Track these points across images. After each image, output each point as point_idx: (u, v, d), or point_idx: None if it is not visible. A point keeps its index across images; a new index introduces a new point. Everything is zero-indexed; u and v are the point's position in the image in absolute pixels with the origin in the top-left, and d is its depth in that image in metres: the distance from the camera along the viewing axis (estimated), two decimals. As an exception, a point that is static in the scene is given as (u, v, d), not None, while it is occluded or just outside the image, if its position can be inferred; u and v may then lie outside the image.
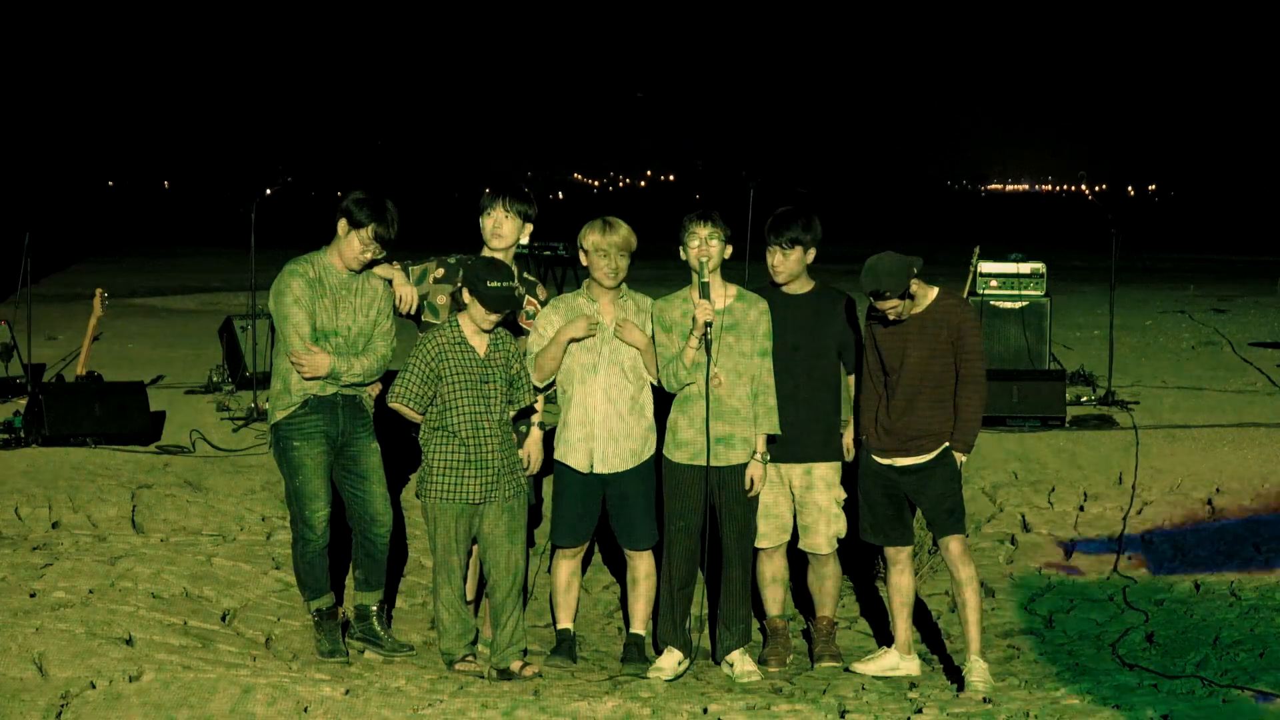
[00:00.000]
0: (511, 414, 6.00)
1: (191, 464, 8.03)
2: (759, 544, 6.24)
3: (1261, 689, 5.46)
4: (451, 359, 5.85)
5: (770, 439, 6.05)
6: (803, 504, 6.25)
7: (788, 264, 6.16)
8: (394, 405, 5.89)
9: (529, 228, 6.26)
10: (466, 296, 5.84)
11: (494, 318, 5.84)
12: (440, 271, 6.28)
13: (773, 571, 6.33)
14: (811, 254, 6.19)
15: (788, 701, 5.61)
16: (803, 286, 6.23)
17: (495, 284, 5.77)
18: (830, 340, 6.22)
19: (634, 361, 6.05)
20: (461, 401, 5.84)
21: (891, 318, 5.82)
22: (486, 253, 6.20)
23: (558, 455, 6.13)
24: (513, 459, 5.97)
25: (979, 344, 5.94)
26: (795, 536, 6.32)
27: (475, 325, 5.87)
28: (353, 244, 5.92)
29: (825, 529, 6.24)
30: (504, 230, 6.18)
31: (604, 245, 5.98)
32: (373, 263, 6.06)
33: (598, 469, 6.05)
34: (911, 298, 5.81)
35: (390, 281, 6.17)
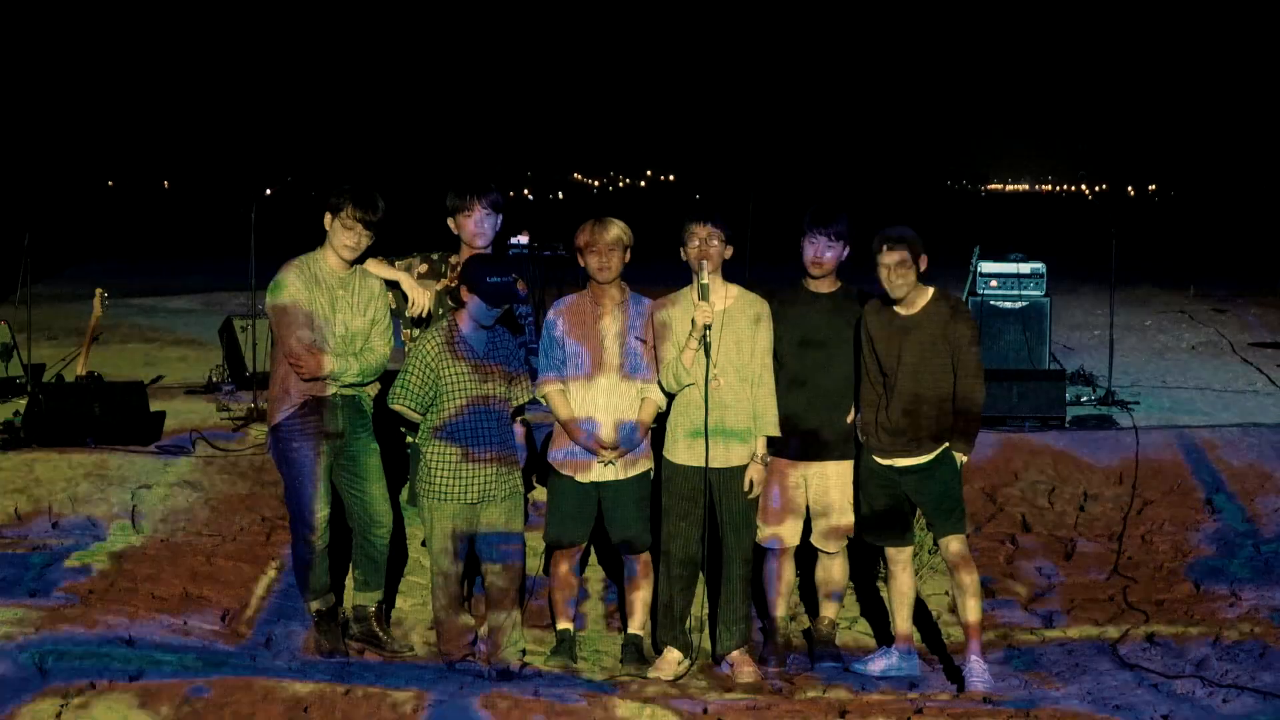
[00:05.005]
0: (509, 410, 6.01)
1: (191, 464, 8.03)
2: (769, 545, 6.25)
3: (1261, 689, 5.46)
4: (450, 358, 5.85)
5: (769, 440, 6.05)
6: (818, 501, 6.25)
7: (832, 256, 6.13)
8: (394, 406, 5.89)
9: (499, 216, 6.29)
10: (465, 294, 5.84)
11: (495, 314, 5.84)
12: (424, 267, 6.29)
13: (779, 572, 6.34)
14: (847, 251, 6.19)
15: (788, 701, 5.61)
16: (831, 285, 6.23)
17: (496, 279, 5.78)
18: (853, 339, 6.20)
19: (636, 376, 6.04)
20: (460, 401, 5.84)
21: (887, 274, 5.79)
22: (467, 252, 6.21)
23: (555, 463, 6.12)
24: (509, 458, 5.98)
25: (975, 343, 5.94)
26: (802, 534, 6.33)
27: (476, 323, 5.87)
28: (338, 232, 5.93)
29: (837, 527, 6.25)
30: (486, 228, 6.21)
31: (595, 242, 5.99)
32: (363, 257, 6.06)
33: (595, 479, 6.06)
34: (917, 266, 5.81)
35: (388, 282, 6.17)
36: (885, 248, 5.82)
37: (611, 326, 6.04)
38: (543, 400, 6.11)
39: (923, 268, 5.93)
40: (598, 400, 6.02)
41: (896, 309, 5.96)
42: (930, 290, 5.96)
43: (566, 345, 6.04)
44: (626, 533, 6.12)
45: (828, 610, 6.41)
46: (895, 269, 5.81)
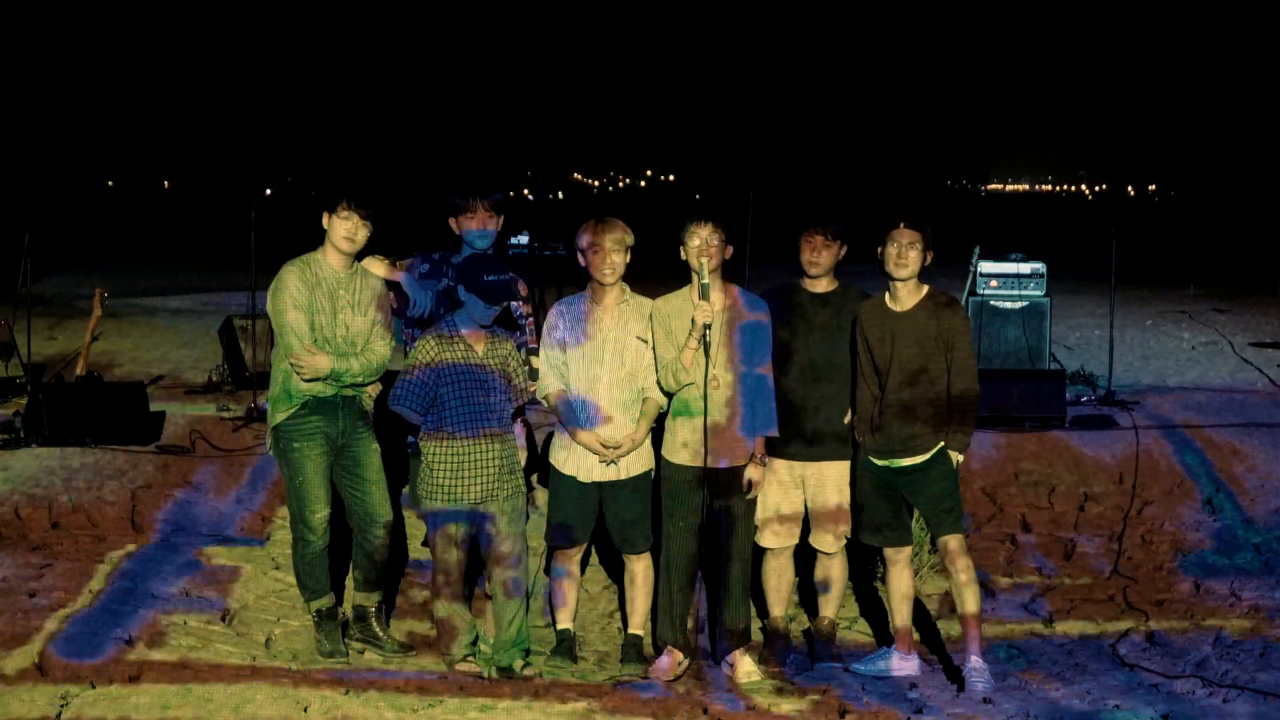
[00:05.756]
0: (509, 409, 6.01)
1: (191, 464, 8.03)
2: (768, 544, 6.25)
3: (1261, 689, 5.47)
4: (450, 360, 5.85)
5: (768, 441, 6.05)
6: (815, 502, 6.25)
7: (829, 255, 6.15)
8: (394, 408, 5.89)
9: (501, 217, 6.30)
10: (463, 293, 5.85)
11: (493, 312, 5.85)
12: (425, 267, 6.29)
13: (778, 572, 6.34)
14: (843, 250, 6.20)
15: (788, 702, 5.62)
16: (829, 284, 6.23)
17: (493, 277, 5.79)
18: (849, 339, 6.20)
19: (637, 377, 6.04)
20: (461, 402, 5.84)
21: (898, 251, 5.83)
22: (468, 252, 6.21)
23: (555, 463, 6.12)
24: (510, 457, 5.98)
25: (968, 342, 5.95)
26: (801, 534, 6.33)
27: (475, 323, 5.87)
28: (336, 228, 5.94)
29: (835, 527, 6.26)
30: (488, 228, 6.21)
31: (598, 242, 5.99)
32: (362, 254, 6.07)
33: (596, 479, 6.06)
34: (924, 256, 5.88)
35: (389, 282, 6.17)
36: (903, 224, 5.87)
37: (612, 327, 6.04)
38: (544, 400, 6.11)
39: (928, 261, 5.96)
40: (598, 400, 6.02)
41: (890, 306, 5.97)
42: (925, 288, 5.98)
43: (567, 346, 6.04)
44: (627, 533, 6.12)
45: (827, 610, 6.41)
46: (907, 247, 5.84)
